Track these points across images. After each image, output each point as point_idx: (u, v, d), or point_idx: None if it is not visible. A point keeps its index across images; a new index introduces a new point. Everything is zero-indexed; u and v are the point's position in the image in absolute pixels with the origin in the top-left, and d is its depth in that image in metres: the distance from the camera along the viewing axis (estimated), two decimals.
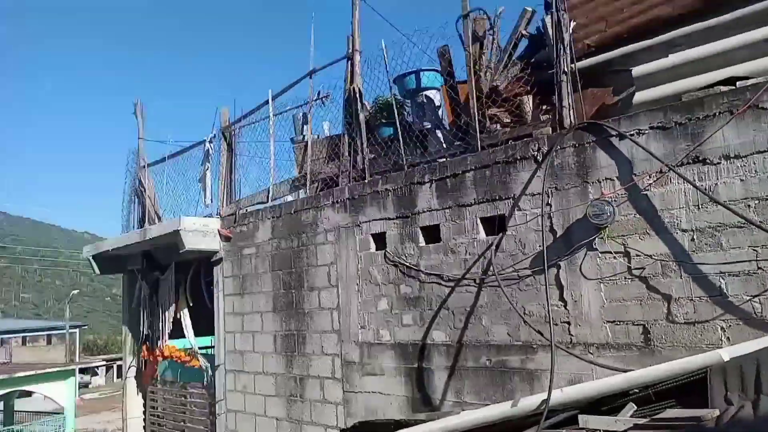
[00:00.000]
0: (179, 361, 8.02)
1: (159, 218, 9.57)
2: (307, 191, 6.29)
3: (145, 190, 9.80)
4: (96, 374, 60.03)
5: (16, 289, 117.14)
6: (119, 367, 63.41)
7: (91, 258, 9.33)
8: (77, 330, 48.44)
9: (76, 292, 32.41)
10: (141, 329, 8.84)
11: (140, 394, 9.51)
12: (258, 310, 6.75)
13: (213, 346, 7.86)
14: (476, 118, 4.51)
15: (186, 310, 8.32)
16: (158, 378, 9.07)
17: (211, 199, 8.14)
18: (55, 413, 25.90)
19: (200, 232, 7.25)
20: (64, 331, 50.08)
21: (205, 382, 7.70)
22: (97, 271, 9.40)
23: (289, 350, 6.25)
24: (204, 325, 8.35)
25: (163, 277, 8.46)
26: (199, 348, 8.33)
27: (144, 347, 8.79)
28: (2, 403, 26.29)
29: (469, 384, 4.44)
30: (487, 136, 4.51)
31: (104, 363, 54.39)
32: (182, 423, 8.22)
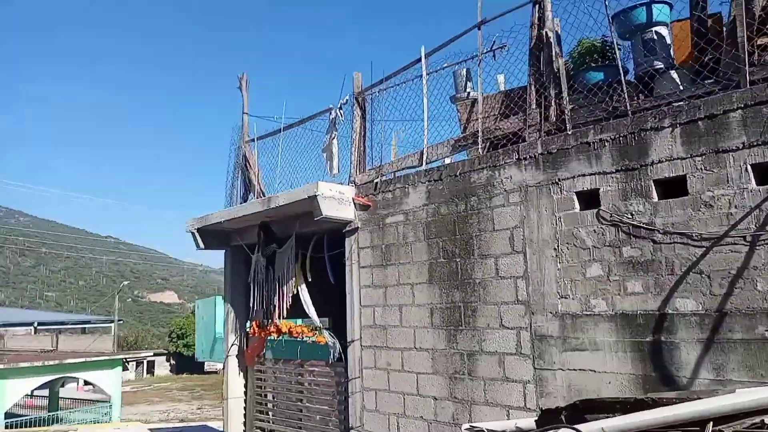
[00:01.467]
0: (299, 337, 7.46)
1: (263, 193, 9.10)
2: (480, 150, 5.68)
3: (249, 165, 9.34)
4: (126, 369, 60.47)
5: (41, 288, 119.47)
6: (150, 363, 63.80)
7: (195, 231, 8.86)
8: (113, 324, 48.79)
9: (126, 282, 32.17)
10: (252, 305, 8.29)
11: (241, 374, 8.99)
12: (407, 282, 6.16)
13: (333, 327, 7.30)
14: (746, 49, 3.87)
15: (304, 286, 7.77)
16: (264, 356, 8.54)
17: (339, 169, 7.60)
18: (100, 401, 25.69)
19: (335, 200, 6.71)
20: (98, 324, 50.42)
21: (331, 360, 7.13)
22: (201, 246, 8.91)
23: (451, 324, 5.64)
24: (321, 301, 7.80)
25: (280, 251, 7.93)
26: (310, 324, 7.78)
27: (254, 324, 8.26)
28: (48, 389, 26.18)
29: (736, 359, 3.77)
30: (760, 69, 3.87)
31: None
32: (299, 402, 7.66)
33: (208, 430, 25.60)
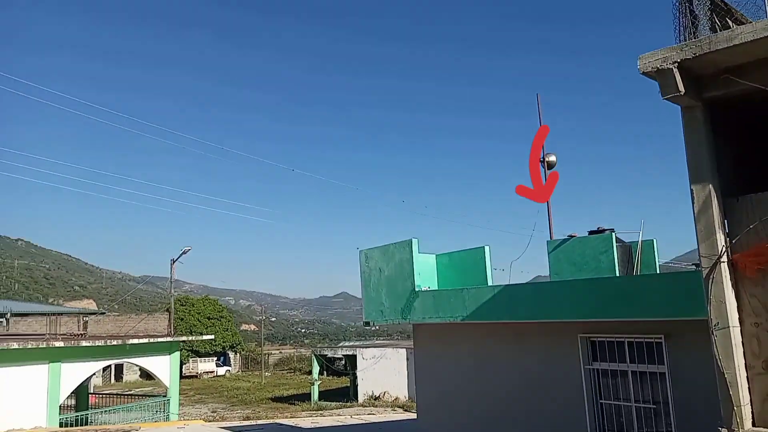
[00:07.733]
0: None
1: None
2: None
3: None
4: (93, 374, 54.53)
5: None
6: (118, 367, 56.88)
7: (674, 68, 5.77)
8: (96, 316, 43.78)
9: (188, 249, 27.39)
10: None
11: (732, 292, 5.89)
12: None
13: None
14: None
15: None
16: None
17: None
18: (151, 396, 21.45)
19: None
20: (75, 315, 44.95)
21: None
22: (681, 89, 5.82)
23: None
24: None
25: None
26: None
27: None
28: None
29: None
30: None
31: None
32: None
33: (281, 427, 21.97)
